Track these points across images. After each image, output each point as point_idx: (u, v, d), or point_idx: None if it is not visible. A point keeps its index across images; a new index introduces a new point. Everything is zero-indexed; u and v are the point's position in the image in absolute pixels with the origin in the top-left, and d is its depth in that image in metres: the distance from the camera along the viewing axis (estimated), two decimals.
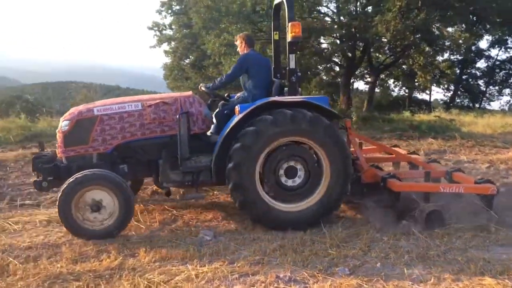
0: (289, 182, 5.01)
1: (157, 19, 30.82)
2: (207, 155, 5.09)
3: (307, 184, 5.02)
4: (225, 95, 5.86)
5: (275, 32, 5.87)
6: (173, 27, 30.23)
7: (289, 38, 5.00)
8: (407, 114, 16.47)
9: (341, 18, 16.69)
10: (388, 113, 16.06)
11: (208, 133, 5.46)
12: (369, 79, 21.60)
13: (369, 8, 16.34)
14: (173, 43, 30.53)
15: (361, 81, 24.79)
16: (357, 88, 27.06)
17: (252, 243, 4.59)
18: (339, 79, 20.12)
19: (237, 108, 5.00)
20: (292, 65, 5.05)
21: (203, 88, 5.53)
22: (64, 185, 4.63)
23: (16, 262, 4.10)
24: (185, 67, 30.04)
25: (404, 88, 26.99)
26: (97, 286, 3.69)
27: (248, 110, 4.90)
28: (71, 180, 4.62)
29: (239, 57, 5.59)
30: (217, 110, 5.62)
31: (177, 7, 29.41)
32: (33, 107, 16.57)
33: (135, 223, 5.22)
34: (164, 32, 30.61)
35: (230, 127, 4.94)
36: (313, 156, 5.07)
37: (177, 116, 5.06)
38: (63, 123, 5.15)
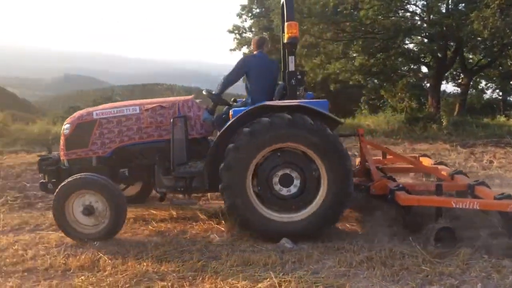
0: (284, 191, 4.71)
1: (238, 22, 31.23)
2: (204, 160, 4.91)
3: (304, 193, 4.70)
4: (232, 99, 5.70)
5: (283, 34, 5.57)
6: (253, 29, 30.60)
7: (285, 39, 4.82)
8: (502, 118, 15.17)
9: (431, 16, 15.79)
10: (481, 118, 14.89)
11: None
12: (460, 81, 20.21)
13: (462, 6, 15.30)
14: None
15: (450, 83, 23.26)
16: (444, 91, 25.50)
17: (336, 253, 4.35)
18: (426, 82, 19.08)
19: (231, 112, 4.82)
20: (292, 67, 4.82)
21: (204, 93, 5.36)
22: (58, 188, 4.70)
23: (106, 258, 4.22)
24: None
25: (497, 90, 24.94)
26: (181, 287, 3.68)
27: (234, 119, 4.69)
28: (64, 183, 4.68)
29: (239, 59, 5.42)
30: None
31: (257, 10, 29.71)
32: None
33: (216, 225, 5.21)
34: (244, 35, 31.09)
35: (219, 134, 4.77)
36: (307, 162, 4.70)
37: (171, 120, 4.98)
38: (65, 126, 5.25)
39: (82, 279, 3.81)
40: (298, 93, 4.94)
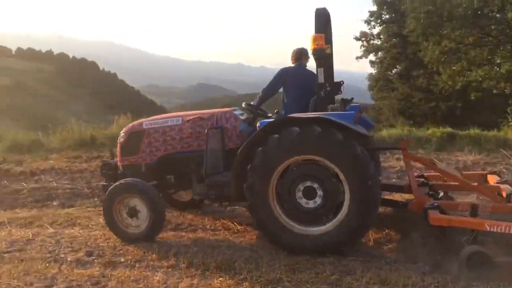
0: (308, 204, 4.59)
1: (365, 29, 30.58)
2: None
3: (326, 206, 4.54)
4: (275, 111, 5.70)
5: (326, 46, 5.26)
6: (381, 36, 29.67)
7: (311, 50, 4.84)
8: None
9: None
10: None
11: None
12: None
13: None
14: (380, 53, 29.93)
15: None
16: None
17: (487, 281, 3.87)
18: None
19: (258, 124, 4.90)
20: (321, 79, 4.81)
21: (243, 105, 5.50)
22: (108, 191, 5.09)
23: (241, 262, 4.32)
24: (391, 78, 29.10)
25: None
26: None
27: (256, 132, 4.77)
28: (112, 187, 5.09)
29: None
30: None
31: (387, 16, 28.74)
32: None
33: None
34: (372, 42, 30.29)
35: (242, 146, 4.77)
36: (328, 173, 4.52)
37: (206, 131, 5.19)
38: (120, 135, 5.73)
39: (220, 280, 3.96)
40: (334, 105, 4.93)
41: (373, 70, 30.83)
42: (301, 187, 4.58)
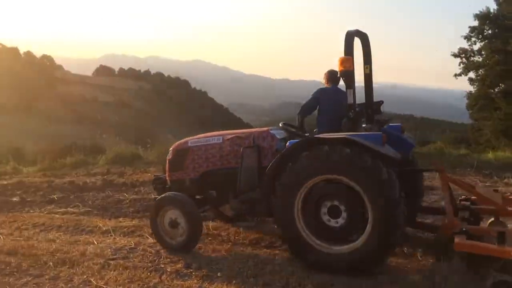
0: (332, 222, 4.59)
1: (465, 45, 28.73)
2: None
3: (350, 225, 4.54)
4: (314, 130, 5.74)
5: (365, 66, 5.42)
6: (483, 52, 27.75)
7: (338, 72, 4.95)
8: None
9: None
10: None
11: None
12: None
13: None
14: (481, 70, 27.95)
15: None
16: None
17: None
18: None
19: (287, 144, 4.96)
20: (350, 100, 4.87)
21: (280, 125, 5.66)
22: (154, 203, 5.56)
23: (339, 286, 4.19)
24: (494, 96, 26.96)
25: None
26: None
27: (282, 152, 4.81)
28: (156, 200, 5.55)
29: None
30: None
31: (489, 32, 26.86)
32: None
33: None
34: (472, 58, 28.41)
35: (270, 166, 4.86)
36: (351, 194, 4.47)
37: (241, 149, 5.40)
38: (169, 152, 6.11)
39: None
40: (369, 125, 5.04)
41: (472, 88, 28.84)
42: (326, 205, 4.62)
